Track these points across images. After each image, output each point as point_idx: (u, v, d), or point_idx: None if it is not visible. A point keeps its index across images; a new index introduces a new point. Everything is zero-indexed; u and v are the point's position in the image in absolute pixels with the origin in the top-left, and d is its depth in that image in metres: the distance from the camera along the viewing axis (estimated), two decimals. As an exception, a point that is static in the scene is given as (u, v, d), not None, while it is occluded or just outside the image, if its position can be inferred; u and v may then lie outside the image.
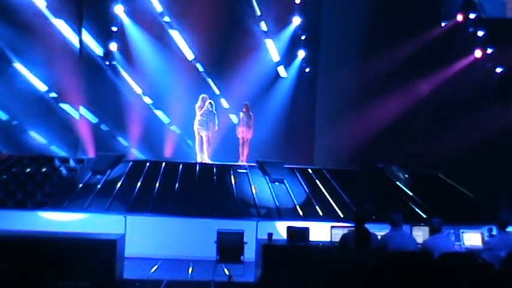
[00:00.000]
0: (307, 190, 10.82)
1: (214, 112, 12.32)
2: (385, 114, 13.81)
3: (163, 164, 11.67)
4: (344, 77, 14.02)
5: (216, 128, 12.37)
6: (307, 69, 15.13)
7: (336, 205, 10.21)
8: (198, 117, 12.15)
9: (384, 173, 11.93)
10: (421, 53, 13.88)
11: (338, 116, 14.31)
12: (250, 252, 7.35)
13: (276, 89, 15.13)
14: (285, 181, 11.07)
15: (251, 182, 10.94)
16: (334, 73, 14.11)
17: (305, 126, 14.84)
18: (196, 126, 12.16)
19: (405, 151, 13.11)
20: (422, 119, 14.09)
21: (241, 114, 12.76)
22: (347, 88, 14.24)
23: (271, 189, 10.74)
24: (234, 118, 13.16)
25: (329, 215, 9.72)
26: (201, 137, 12.22)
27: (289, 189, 10.82)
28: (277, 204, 10.21)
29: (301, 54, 15.07)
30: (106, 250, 6.62)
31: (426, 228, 6.77)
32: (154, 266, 8.25)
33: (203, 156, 12.27)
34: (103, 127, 13.99)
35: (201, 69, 14.59)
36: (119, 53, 14.34)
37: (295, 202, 10.34)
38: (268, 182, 11.01)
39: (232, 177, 11.09)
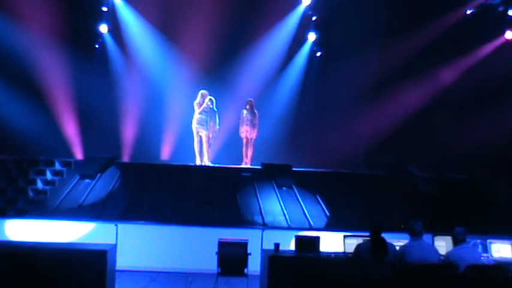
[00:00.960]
0: (317, 196, 10.80)
1: (215, 109, 12.33)
2: (404, 108, 13.67)
3: (160, 166, 11.72)
4: (359, 64, 13.86)
5: (217, 127, 12.37)
6: (318, 53, 14.99)
7: (350, 212, 10.19)
8: (196, 115, 12.16)
9: (405, 176, 11.84)
10: (444, 36, 13.58)
11: (352, 109, 14.18)
12: (254, 265, 7.35)
13: (282, 81, 14.97)
14: (294, 186, 11.06)
15: (256, 187, 10.95)
16: (348, 60, 13.94)
17: (315, 123, 14.80)
18: (194, 125, 12.18)
19: (426, 150, 13.01)
20: (446, 113, 13.75)
21: (245, 111, 12.76)
22: (362, 77, 14.09)
23: (278, 195, 10.74)
24: (236, 116, 13.03)
25: (342, 224, 9.72)
26: (201, 137, 12.22)
27: (297, 194, 10.82)
28: (285, 211, 10.21)
29: (312, 37, 14.86)
30: (95, 262, 6.61)
31: (449, 238, 6.66)
32: (148, 279, 8.24)
33: (203, 159, 12.27)
34: (92, 125, 13.94)
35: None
36: (109, 35, 14.33)
37: (305, 209, 10.33)
38: (275, 187, 11.02)
39: (235, 181, 11.11)
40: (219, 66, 14.04)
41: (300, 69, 15.07)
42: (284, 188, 10.97)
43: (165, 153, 14.42)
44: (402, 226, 7.08)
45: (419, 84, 13.78)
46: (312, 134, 14.77)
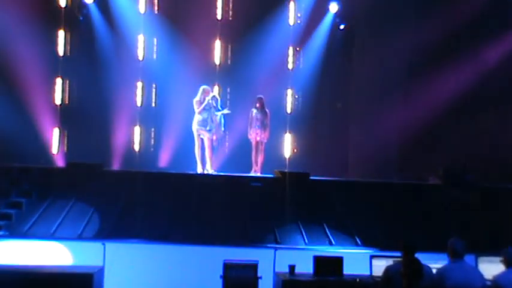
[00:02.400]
0: (340, 209, 10.76)
1: (220, 108, 12.29)
2: (443, 96, 13.34)
3: (155, 175, 11.70)
4: (390, 42, 13.71)
5: (222, 129, 12.31)
6: (342, 26, 14.91)
7: (378, 228, 10.13)
8: (197, 116, 12.13)
9: (464, 187, 11.55)
10: (492, 9, 13.29)
11: (380, 99, 14.00)
12: (266, 290, 7.50)
13: (297, 70, 14.74)
14: (312, 197, 10.99)
15: (268, 199, 10.91)
16: (376, 37, 13.89)
17: (337, 119, 14.68)
18: (195, 126, 12.14)
19: (470, 151, 12.78)
20: (492, 104, 13.44)
21: (254, 111, 12.73)
22: (394, 58, 13.91)
23: (294, 209, 10.62)
24: (244, 116, 13.08)
25: (368, 242, 9.65)
26: (202, 141, 12.17)
27: (316, 208, 10.76)
28: (302, 227, 10.14)
29: (334, 8, 14.77)
30: (80, 287, 6.62)
31: (497, 260, 6.51)
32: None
33: (205, 166, 12.23)
34: (74, 125, 13.95)
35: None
36: (95, 6, 14.35)
37: (325, 224, 10.26)
38: (290, 198, 10.89)
39: (243, 192, 11.06)
40: (229, 52, 14.07)
41: (317, 54, 14.82)
42: (300, 200, 10.91)
43: (163, 159, 14.39)
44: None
45: (459, 66, 13.41)
46: (333, 133, 14.63)
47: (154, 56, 14.56)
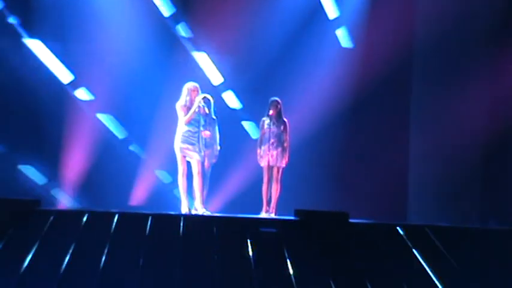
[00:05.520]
0: (391, 265, 10.49)
1: (214, 117, 12.15)
2: None
3: (122, 217, 11.35)
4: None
5: (218, 147, 12.37)
6: None
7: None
8: (181, 127, 11.76)
9: None
10: None
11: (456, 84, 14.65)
12: None
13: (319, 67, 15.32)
14: (352, 249, 10.73)
15: (286, 252, 10.64)
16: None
17: (389, 123, 15.27)
18: (178, 144, 11.76)
19: None
20: None
21: (267, 120, 12.53)
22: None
23: (325, 264, 10.41)
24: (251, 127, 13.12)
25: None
26: (189, 166, 11.88)
27: (358, 263, 10.49)
28: (335, 288, 9.81)
29: None
30: None
31: None
32: None
33: (194, 203, 11.92)
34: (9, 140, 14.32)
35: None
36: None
37: (368, 286, 10.00)
38: (320, 250, 10.71)
39: (248, 242, 10.78)
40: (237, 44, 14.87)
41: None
42: (334, 253, 10.71)
43: (136, 194, 14.79)
44: None
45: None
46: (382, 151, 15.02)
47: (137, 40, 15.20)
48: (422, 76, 15.42)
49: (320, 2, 15.84)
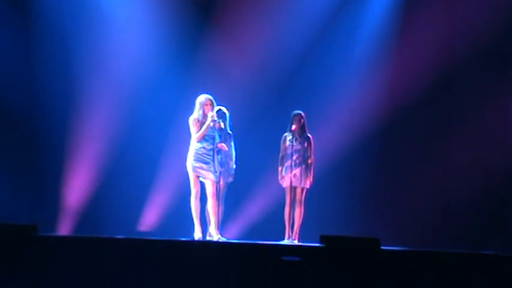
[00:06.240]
0: None
1: (230, 132, 12.27)
2: None
3: (131, 244, 11.47)
4: None
5: (234, 165, 12.39)
6: None
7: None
8: (194, 144, 11.72)
9: None
10: None
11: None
12: None
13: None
14: (385, 279, 10.76)
15: (311, 282, 10.73)
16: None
17: (425, 140, 15.01)
18: (191, 162, 11.73)
19: None
20: None
21: (289, 136, 12.42)
22: None
23: None
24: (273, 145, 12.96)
25: None
26: (203, 187, 11.83)
27: None
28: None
29: None
30: None
31: None
32: None
33: (209, 229, 11.95)
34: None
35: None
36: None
37: None
38: (349, 280, 10.76)
39: (269, 272, 10.82)
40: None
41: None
42: (365, 284, 10.73)
43: (147, 219, 14.76)
44: None
45: None
46: (409, 173, 14.92)
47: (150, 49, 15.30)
48: (460, 92, 15.46)
49: (351, 12, 15.99)
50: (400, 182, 15.18)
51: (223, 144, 12.13)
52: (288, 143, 12.46)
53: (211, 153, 11.85)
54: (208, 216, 12.06)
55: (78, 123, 14.84)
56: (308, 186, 12.57)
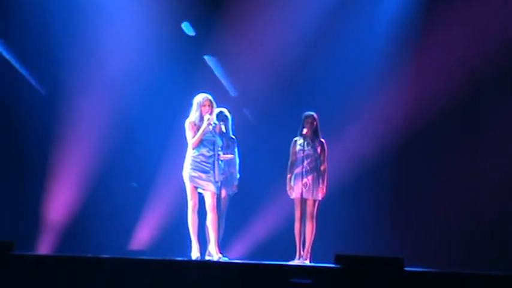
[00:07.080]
0: None
1: (232, 136, 12.18)
2: None
3: (111, 263, 11.47)
4: None
5: (237, 175, 12.30)
6: None
7: None
8: (191, 151, 11.48)
9: None
10: None
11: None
12: None
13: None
14: None
15: None
16: None
17: (451, 154, 14.88)
18: (187, 171, 11.51)
19: None
20: None
21: (300, 140, 12.19)
22: None
23: None
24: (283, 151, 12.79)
25: None
26: (200, 198, 11.63)
27: None
28: None
29: None
30: None
31: None
32: None
33: (208, 249, 11.83)
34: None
35: None
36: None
37: None
38: None
39: None
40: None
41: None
42: None
43: (139, 236, 14.83)
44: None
45: None
46: (433, 188, 14.76)
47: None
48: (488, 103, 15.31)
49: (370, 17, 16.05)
50: (424, 197, 15.06)
51: (226, 155, 12.10)
52: (298, 147, 12.25)
53: (211, 160, 11.60)
54: (208, 232, 11.83)
55: (62, 131, 14.96)
56: (320, 198, 12.31)
